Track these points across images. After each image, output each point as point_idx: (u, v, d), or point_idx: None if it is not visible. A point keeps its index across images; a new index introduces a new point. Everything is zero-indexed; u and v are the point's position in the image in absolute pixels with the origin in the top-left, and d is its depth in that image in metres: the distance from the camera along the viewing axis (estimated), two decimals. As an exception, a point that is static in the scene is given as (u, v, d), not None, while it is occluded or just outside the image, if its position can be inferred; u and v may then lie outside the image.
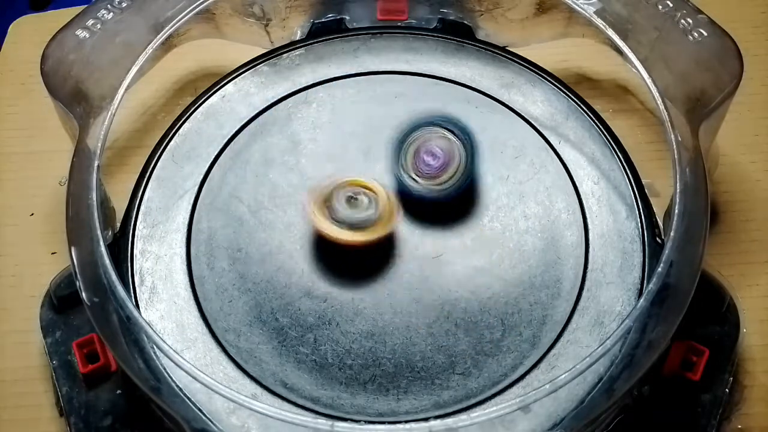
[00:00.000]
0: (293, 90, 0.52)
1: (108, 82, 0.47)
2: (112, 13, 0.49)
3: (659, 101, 0.45)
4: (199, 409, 0.41)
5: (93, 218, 0.43)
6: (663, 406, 0.43)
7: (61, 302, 0.46)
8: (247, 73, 0.52)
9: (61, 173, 0.49)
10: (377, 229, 0.44)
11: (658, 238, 0.46)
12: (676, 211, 0.42)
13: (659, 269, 0.40)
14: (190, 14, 0.50)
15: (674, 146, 0.44)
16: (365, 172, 0.48)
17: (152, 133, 0.54)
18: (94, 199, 0.43)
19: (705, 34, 0.47)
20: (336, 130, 0.50)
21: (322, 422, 0.38)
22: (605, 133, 0.49)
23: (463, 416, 0.38)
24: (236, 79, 0.52)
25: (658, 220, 0.46)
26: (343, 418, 0.42)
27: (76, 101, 0.46)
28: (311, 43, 0.53)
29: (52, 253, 0.51)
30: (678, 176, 0.43)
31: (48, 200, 0.53)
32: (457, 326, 0.44)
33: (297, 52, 0.53)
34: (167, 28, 0.49)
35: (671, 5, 0.48)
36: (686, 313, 0.40)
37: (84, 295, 0.41)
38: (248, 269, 0.46)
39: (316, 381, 0.43)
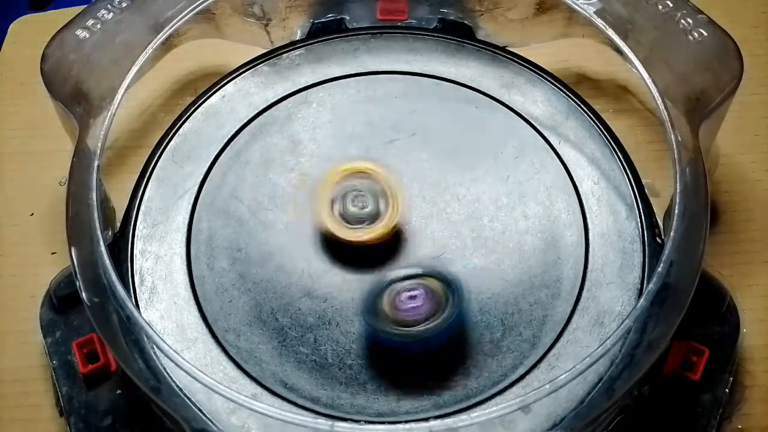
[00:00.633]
0: (293, 90, 0.52)
1: (108, 82, 0.47)
2: (112, 13, 0.49)
3: (659, 101, 0.45)
4: (199, 409, 0.41)
5: (93, 218, 0.43)
6: (663, 406, 0.43)
7: (61, 302, 0.46)
8: (247, 73, 0.52)
9: (61, 173, 0.49)
10: (386, 222, 0.44)
11: (658, 238, 0.46)
12: (676, 211, 0.42)
13: (659, 269, 0.40)
14: (190, 14, 0.50)
15: (674, 146, 0.44)
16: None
17: (152, 133, 0.54)
18: (94, 199, 0.43)
19: (705, 34, 0.47)
20: (336, 130, 0.50)
21: (322, 422, 0.38)
22: (605, 133, 0.49)
23: (463, 416, 0.38)
24: (236, 79, 0.52)
25: (658, 220, 0.46)
26: (343, 418, 0.42)
27: (76, 101, 0.46)
28: (311, 43, 0.53)
29: (52, 253, 0.51)
30: (678, 176, 0.43)
31: (48, 200, 0.53)
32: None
33: (297, 52, 0.53)
34: (167, 28, 0.49)
35: (671, 5, 0.48)
36: (686, 313, 0.40)
37: (84, 295, 0.41)
38: (248, 269, 0.46)
39: (316, 381, 0.43)
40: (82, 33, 0.48)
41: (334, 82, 0.52)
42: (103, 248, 0.42)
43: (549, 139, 0.49)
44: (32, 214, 0.53)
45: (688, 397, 0.44)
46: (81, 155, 0.45)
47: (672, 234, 0.41)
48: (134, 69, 0.48)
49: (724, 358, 0.45)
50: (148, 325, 0.41)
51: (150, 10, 0.50)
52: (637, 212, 0.47)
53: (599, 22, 0.48)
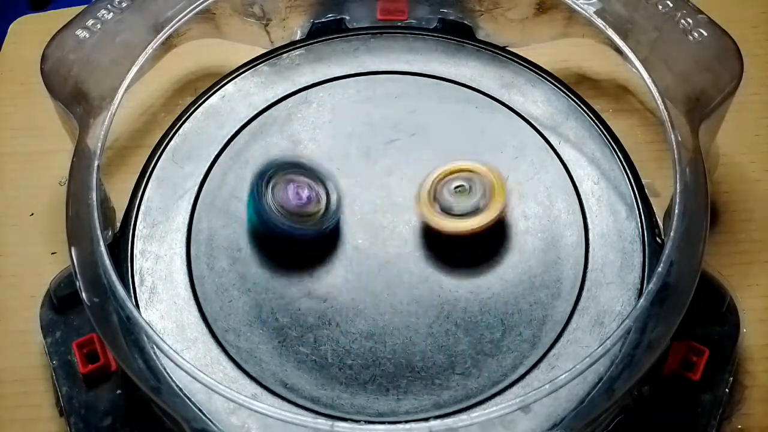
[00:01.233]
0: (293, 90, 0.52)
1: (108, 82, 0.47)
2: (112, 13, 0.49)
3: (659, 101, 0.45)
4: (199, 409, 0.41)
5: (93, 218, 0.43)
6: (663, 406, 0.43)
7: (61, 302, 0.46)
8: (247, 73, 0.52)
9: (61, 173, 0.49)
10: (490, 211, 0.45)
11: (658, 238, 0.46)
12: (676, 211, 0.42)
13: (659, 269, 0.40)
14: (190, 14, 0.50)
15: (674, 146, 0.44)
16: (365, 172, 0.48)
17: (152, 133, 0.54)
18: (94, 199, 0.43)
19: (705, 34, 0.47)
20: (336, 130, 0.50)
21: (322, 422, 0.38)
22: (605, 133, 0.49)
23: (463, 416, 0.38)
24: (236, 79, 0.52)
25: (658, 220, 0.46)
26: (343, 418, 0.42)
27: (76, 101, 0.46)
28: (311, 43, 0.53)
29: (52, 253, 0.51)
30: (678, 176, 0.43)
31: (48, 200, 0.53)
32: (457, 326, 0.44)
33: (297, 52, 0.53)
34: (167, 28, 0.49)
35: (671, 5, 0.48)
36: (686, 313, 0.40)
37: (84, 295, 0.41)
38: (248, 269, 0.46)
39: (316, 381, 0.43)
40: (82, 33, 0.48)
41: (334, 82, 0.52)
42: (103, 248, 0.42)
43: (549, 139, 0.49)
44: (32, 214, 0.53)
45: (688, 397, 0.44)
46: (81, 155, 0.45)
47: (672, 234, 0.41)
48: (134, 69, 0.48)
49: (724, 358, 0.45)
50: (148, 325, 0.41)
51: (150, 10, 0.50)
52: (637, 212, 0.47)
53: (599, 22, 0.48)
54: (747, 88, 0.47)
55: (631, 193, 0.47)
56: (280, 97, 0.51)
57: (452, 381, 0.43)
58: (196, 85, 0.56)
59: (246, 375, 0.43)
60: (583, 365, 0.39)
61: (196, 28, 0.53)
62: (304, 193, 0.45)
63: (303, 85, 0.52)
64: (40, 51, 0.47)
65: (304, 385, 0.43)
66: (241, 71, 0.52)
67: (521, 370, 0.43)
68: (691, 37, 0.47)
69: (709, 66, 0.46)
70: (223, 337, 0.44)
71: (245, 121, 0.50)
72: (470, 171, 0.45)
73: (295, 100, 0.51)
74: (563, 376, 0.38)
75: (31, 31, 0.60)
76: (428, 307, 0.45)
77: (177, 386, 0.42)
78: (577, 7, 0.49)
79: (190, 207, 0.48)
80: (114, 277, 0.41)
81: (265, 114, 0.51)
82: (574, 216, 0.47)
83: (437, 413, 0.42)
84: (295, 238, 0.45)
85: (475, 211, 0.45)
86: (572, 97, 0.51)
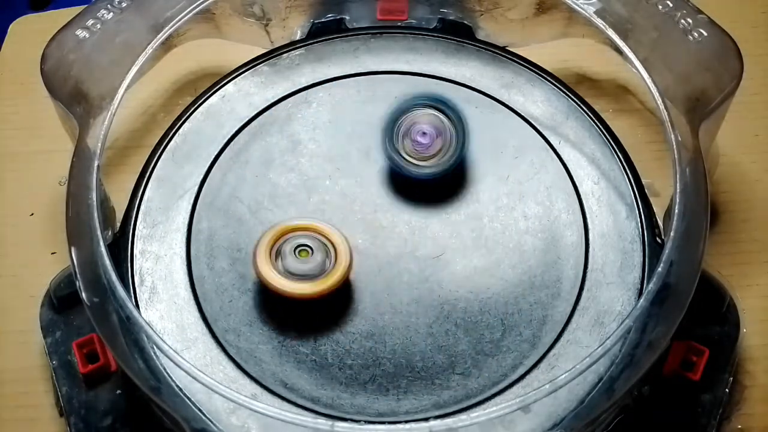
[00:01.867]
0: (293, 90, 0.52)
1: (108, 82, 0.47)
2: (112, 13, 0.49)
3: (659, 101, 0.45)
4: (199, 409, 0.41)
5: (93, 218, 0.43)
6: (663, 406, 0.43)
7: (61, 302, 0.46)
8: (247, 73, 0.52)
9: (61, 173, 0.49)
10: (331, 278, 0.43)
11: (658, 238, 0.46)
12: (676, 211, 0.42)
13: (659, 269, 0.40)
14: (190, 14, 0.50)
15: (674, 146, 0.44)
16: (365, 172, 0.48)
17: (152, 133, 0.54)
18: (94, 199, 0.43)
19: (705, 34, 0.47)
20: (336, 130, 0.50)
21: (322, 422, 0.38)
22: (605, 133, 0.49)
23: (463, 416, 0.38)
24: (236, 79, 0.52)
25: (658, 220, 0.46)
26: (343, 418, 0.42)
27: (76, 101, 0.46)
28: (311, 43, 0.53)
29: (52, 253, 0.51)
30: (678, 176, 0.43)
31: (48, 200, 0.53)
32: (457, 326, 0.44)
33: (297, 52, 0.53)
34: (167, 28, 0.49)
35: (671, 5, 0.48)
36: (686, 313, 0.40)
37: (84, 295, 0.41)
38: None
39: (316, 381, 0.43)
40: (82, 33, 0.48)
41: (334, 82, 0.52)
42: (103, 248, 0.42)
43: (549, 139, 0.49)
44: (32, 214, 0.53)
45: (688, 397, 0.44)
46: (81, 155, 0.45)
47: (672, 234, 0.41)
48: (134, 69, 0.48)
49: (724, 358, 0.45)
50: (148, 325, 0.41)
51: (150, 10, 0.50)
52: (637, 212, 0.47)
53: (599, 22, 0.48)
54: (747, 88, 0.47)
55: (631, 193, 0.47)
56: (280, 97, 0.51)
57: (452, 381, 0.43)
58: (196, 85, 0.56)
59: (246, 375, 0.43)
60: (583, 365, 0.39)
61: (196, 28, 0.53)
62: (427, 140, 0.46)
63: (303, 85, 0.52)
64: (40, 51, 0.47)
65: (304, 385, 0.43)
66: (241, 71, 0.52)
67: (521, 370, 0.43)
68: (691, 37, 0.47)
69: (709, 66, 0.46)
70: (223, 337, 0.44)
71: (245, 121, 0.50)
72: (313, 230, 0.44)
73: (295, 100, 0.51)
74: (563, 376, 0.38)
75: (31, 31, 0.60)
76: (428, 307, 0.45)
77: (177, 386, 0.42)
78: (577, 7, 0.49)
79: (190, 207, 0.48)
80: (114, 277, 0.41)
81: (265, 114, 0.51)
82: (574, 216, 0.47)
83: (437, 413, 0.42)
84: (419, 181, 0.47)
85: (318, 274, 0.43)
86: (572, 97, 0.51)
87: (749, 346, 0.47)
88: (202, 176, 0.49)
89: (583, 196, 0.48)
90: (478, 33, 0.54)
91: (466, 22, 0.54)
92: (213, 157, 0.49)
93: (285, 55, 0.53)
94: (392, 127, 0.47)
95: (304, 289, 0.43)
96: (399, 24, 0.54)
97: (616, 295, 0.44)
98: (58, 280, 0.47)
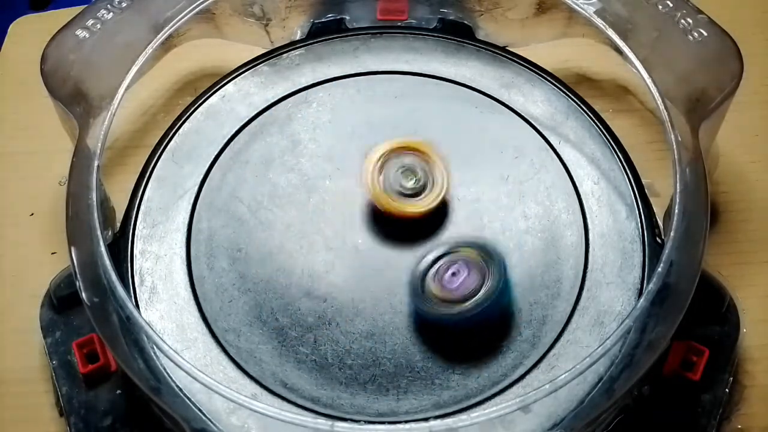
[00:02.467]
0: (293, 90, 0.52)
1: (108, 82, 0.47)
2: (112, 13, 0.49)
3: (659, 101, 0.45)
4: (199, 409, 0.41)
5: (93, 218, 0.43)
6: (663, 406, 0.43)
7: (61, 302, 0.46)
8: (247, 73, 0.52)
9: (61, 173, 0.49)
10: (431, 197, 0.45)
11: (658, 238, 0.46)
12: (676, 211, 0.42)
13: (659, 269, 0.40)
14: (190, 14, 0.50)
15: (674, 146, 0.44)
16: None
17: (152, 133, 0.54)
18: (94, 199, 0.43)
19: (705, 34, 0.47)
20: (336, 130, 0.50)
21: (322, 422, 0.38)
22: (605, 133, 0.49)
23: (463, 416, 0.38)
24: (236, 79, 0.52)
25: (658, 220, 0.46)
26: (343, 418, 0.42)
27: (76, 101, 0.46)
28: (311, 43, 0.53)
29: (52, 253, 0.51)
30: (678, 176, 0.43)
31: (48, 200, 0.53)
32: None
33: (297, 52, 0.53)
34: (167, 28, 0.49)
35: (671, 5, 0.48)
36: (686, 313, 0.40)
37: (84, 295, 0.41)
38: (248, 269, 0.46)
39: (316, 381, 0.43)
40: (82, 33, 0.48)
41: (334, 82, 0.52)
42: (103, 248, 0.42)
43: (549, 139, 0.49)
44: (32, 214, 0.53)
45: (688, 397, 0.44)
46: (81, 155, 0.45)
47: (672, 234, 0.41)
48: (134, 69, 0.48)
49: (724, 358, 0.45)
50: (148, 325, 0.41)
51: (150, 10, 0.50)
52: (637, 212, 0.47)
53: (599, 22, 0.48)
54: (747, 88, 0.47)
55: (631, 193, 0.47)
56: (280, 97, 0.51)
57: (452, 381, 0.43)
58: (196, 85, 0.56)
59: (246, 375, 0.43)
60: (583, 365, 0.39)
61: (196, 28, 0.53)
62: (464, 285, 0.42)
63: (303, 85, 0.52)
64: (40, 51, 0.47)
65: (304, 385, 0.43)
66: (241, 71, 0.52)
67: (521, 370, 0.43)
68: (691, 37, 0.47)
69: (709, 66, 0.46)
70: (223, 337, 0.44)
71: (245, 121, 0.50)
72: (413, 149, 0.46)
73: (295, 100, 0.51)
74: (563, 376, 0.38)
75: (31, 31, 0.60)
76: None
77: (177, 386, 0.42)
78: (577, 7, 0.49)
79: (190, 207, 0.48)
80: (114, 277, 0.41)
81: (265, 114, 0.51)
82: (574, 216, 0.47)
83: (437, 413, 0.42)
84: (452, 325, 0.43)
85: (421, 191, 0.45)
86: (572, 97, 0.51)
87: (749, 346, 0.47)
88: (202, 176, 0.49)
89: (583, 196, 0.48)
90: (478, 33, 0.54)
91: (466, 22, 0.54)
92: (213, 157, 0.49)
93: (285, 55, 0.53)
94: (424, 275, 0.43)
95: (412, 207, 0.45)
96: (399, 24, 0.54)
97: (616, 295, 0.44)
98: (58, 280, 0.47)
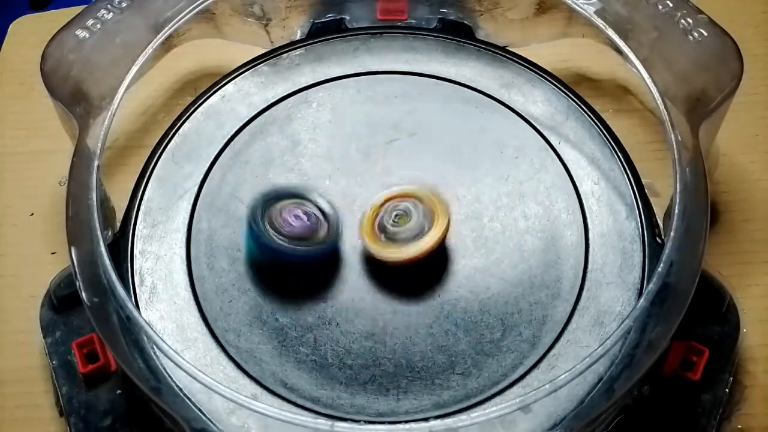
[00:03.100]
0: (293, 90, 0.52)
1: (108, 82, 0.47)
2: (112, 13, 0.49)
3: (659, 101, 0.45)
4: (199, 409, 0.41)
5: (93, 218, 0.43)
6: (663, 406, 0.43)
7: (61, 302, 0.46)
8: (247, 73, 0.52)
9: (61, 173, 0.49)
10: (430, 239, 0.44)
11: (658, 238, 0.46)
12: (676, 211, 0.42)
13: (659, 269, 0.40)
14: (190, 14, 0.50)
15: (674, 146, 0.44)
16: (365, 172, 0.48)
17: (152, 133, 0.54)
18: (94, 199, 0.43)
19: (705, 34, 0.47)
20: (336, 130, 0.50)
21: (322, 422, 0.38)
22: (605, 133, 0.49)
23: (463, 416, 0.38)
24: (236, 79, 0.52)
25: (658, 220, 0.46)
26: (343, 418, 0.42)
27: (76, 101, 0.46)
28: (311, 43, 0.53)
29: (52, 253, 0.51)
30: (678, 176, 0.43)
31: (48, 200, 0.53)
32: (457, 326, 0.44)
33: (297, 52, 0.53)
34: (167, 28, 0.49)
35: (671, 5, 0.48)
36: (686, 313, 0.40)
37: (84, 295, 0.41)
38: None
39: (316, 381, 0.43)
40: (82, 33, 0.48)
41: (334, 82, 0.52)
42: (103, 248, 0.42)
43: (549, 139, 0.49)
44: (32, 214, 0.53)
45: (688, 397, 0.44)
46: (81, 155, 0.45)
47: (672, 234, 0.41)
48: (134, 69, 0.48)
49: (724, 358, 0.45)
50: (148, 325, 0.41)
51: (150, 10, 0.50)
52: (637, 212, 0.47)
53: (599, 22, 0.48)
54: (747, 88, 0.47)
55: (631, 193, 0.47)
56: (280, 97, 0.51)
57: (452, 381, 0.43)
58: (196, 85, 0.56)
59: (246, 375, 0.43)
60: (583, 365, 0.39)
61: (196, 28, 0.53)
62: (301, 218, 0.44)
63: (303, 85, 0.52)
64: (40, 51, 0.47)
65: (304, 385, 0.43)
66: (241, 71, 0.52)
67: (521, 370, 0.43)
68: (691, 37, 0.47)
69: (709, 66, 0.46)
70: (223, 337, 0.44)
71: (245, 121, 0.50)
72: (411, 196, 0.45)
73: (295, 100, 0.51)
74: (563, 376, 0.38)
75: (31, 31, 0.60)
76: (428, 307, 0.45)
77: (177, 386, 0.42)
78: (577, 7, 0.49)
79: (190, 207, 0.48)
80: (114, 277, 0.41)
81: (265, 114, 0.51)
82: (574, 216, 0.47)
83: (437, 413, 0.42)
84: (295, 262, 0.44)
85: (417, 236, 0.44)
86: (572, 97, 0.51)
87: (749, 346, 0.47)
88: (202, 176, 0.49)
89: (583, 196, 0.48)
90: (478, 33, 0.54)
91: (466, 22, 0.54)
92: (213, 157, 0.49)
93: (285, 55, 0.53)
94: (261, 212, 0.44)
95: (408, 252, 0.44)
96: (399, 24, 0.54)
97: (616, 295, 0.44)
98: (58, 280, 0.47)
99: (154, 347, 0.41)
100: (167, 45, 0.52)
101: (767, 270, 0.50)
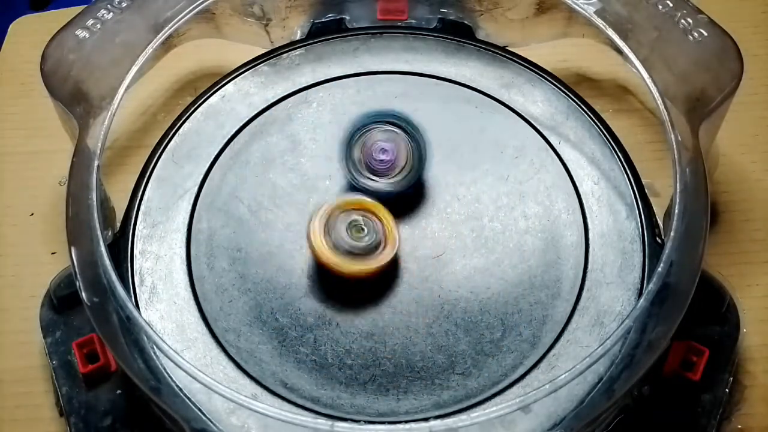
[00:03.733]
0: (293, 90, 0.52)
1: (108, 82, 0.47)
2: (112, 13, 0.49)
3: (659, 101, 0.45)
4: (199, 409, 0.41)
5: (93, 218, 0.43)
6: (663, 406, 0.43)
7: (61, 302, 0.46)
8: (247, 73, 0.52)
9: (61, 173, 0.49)
10: (381, 257, 0.44)
11: (658, 238, 0.46)
12: (676, 211, 0.42)
13: (659, 269, 0.40)
14: (190, 14, 0.50)
15: (674, 146, 0.44)
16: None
17: (152, 133, 0.54)
18: (94, 199, 0.43)
19: (705, 34, 0.47)
20: (336, 130, 0.50)
21: (322, 422, 0.38)
22: (605, 133, 0.49)
23: (463, 416, 0.38)
24: (236, 79, 0.52)
25: (658, 220, 0.46)
26: (343, 418, 0.42)
27: (76, 101, 0.46)
28: (311, 43, 0.53)
29: (52, 253, 0.51)
30: (678, 176, 0.43)
31: (48, 200, 0.53)
32: (457, 326, 0.44)
33: (297, 52, 0.53)
34: (167, 28, 0.49)
35: (671, 5, 0.48)
36: (686, 313, 0.40)
37: (84, 295, 0.41)
38: (248, 269, 0.46)
39: (316, 381, 0.43)
40: (82, 33, 0.48)
41: (334, 82, 0.52)
42: (103, 248, 0.42)
43: (549, 139, 0.49)
44: (32, 214, 0.53)
45: (688, 397, 0.44)
46: (81, 155, 0.45)
47: (672, 234, 0.41)
48: (134, 69, 0.48)
49: (724, 358, 0.45)
50: (148, 325, 0.41)
51: (150, 10, 0.50)
52: (637, 212, 0.47)
53: (599, 22, 0.48)
54: (747, 88, 0.47)
55: (631, 193, 0.47)
56: (280, 97, 0.51)
57: (452, 381, 0.43)
58: (196, 85, 0.56)
59: (246, 375, 0.43)
60: (583, 365, 0.39)
61: (196, 28, 0.53)
62: (387, 156, 0.45)
63: (303, 85, 0.52)
64: (40, 51, 0.47)
65: (304, 385, 0.43)
66: (241, 71, 0.52)
67: (521, 370, 0.43)
68: (691, 37, 0.47)
69: (709, 66, 0.46)
70: (223, 337, 0.44)
71: (245, 121, 0.50)
72: (364, 208, 0.44)
73: (295, 100, 0.51)
74: (563, 376, 0.38)
75: (31, 31, 0.60)
76: (428, 307, 0.45)
77: (177, 386, 0.42)
78: (577, 7, 0.49)
79: (190, 207, 0.48)
80: (114, 277, 0.41)
81: (265, 114, 0.51)
82: (574, 216, 0.47)
83: (437, 413, 0.42)
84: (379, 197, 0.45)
85: (370, 251, 0.44)
86: (572, 97, 0.51)
87: (749, 346, 0.47)
88: (202, 176, 0.49)
89: (583, 196, 0.48)
90: (478, 33, 0.54)
91: (466, 22, 0.54)
92: (213, 157, 0.49)
93: (285, 55, 0.53)
94: (349, 143, 0.46)
95: (361, 266, 0.43)
96: (399, 24, 0.54)
97: (616, 295, 0.44)
98: (58, 280, 0.47)
99: (154, 347, 0.41)
100: (167, 45, 0.52)
101: (767, 270, 0.50)
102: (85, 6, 0.49)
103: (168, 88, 0.57)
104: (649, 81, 0.46)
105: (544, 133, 0.50)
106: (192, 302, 0.45)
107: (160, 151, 0.49)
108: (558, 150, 0.49)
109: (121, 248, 0.46)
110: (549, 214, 0.47)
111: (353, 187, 0.46)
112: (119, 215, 0.48)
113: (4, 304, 0.50)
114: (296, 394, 0.42)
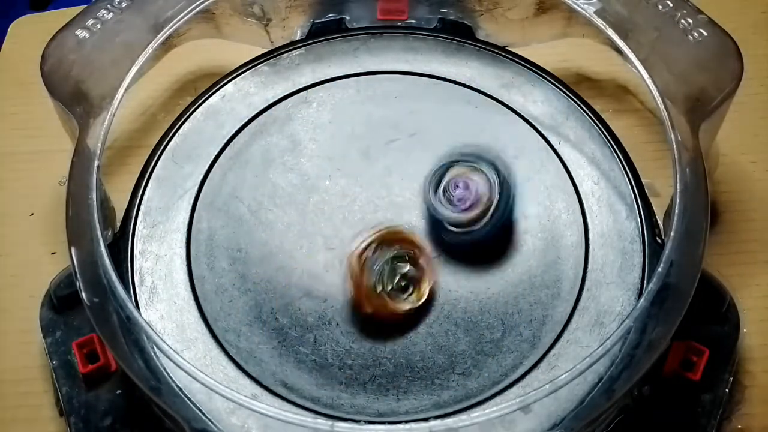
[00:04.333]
0: (293, 90, 0.52)
1: (108, 82, 0.47)
2: (112, 13, 0.49)
3: (659, 101, 0.45)
4: (199, 409, 0.41)
5: (93, 218, 0.43)
6: (663, 406, 0.43)
7: (61, 302, 0.46)
8: (247, 73, 0.52)
9: (61, 173, 0.49)
10: (418, 293, 0.44)
11: (658, 238, 0.46)
12: (676, 211, 0.42)
13: (659, 269, 0.40)
14: (190, 14, 0.50)
15: (674, 146, 0.44)
16: (365, 172, 0.48)
17: (152, 133, 0.54)
18: (94, 199, 0.43)
19: (705, 34, 0.47)
20: (336, 130, 0.50)
21: (322, 422, 0.38)
22: (605, 133, 0.49)
23: (463, 416, 0.38)
24: (236, 79, 0.52)
25: (658, 220, 0.46)
26: (343, 418, 0.42)
27: (76, 101, 0.46)
28: (311, 43, 0.53)
29: (52, 253, 0.51)
30: (678, 176, 0.43)
31: (48, 200, 0.53)
32: (457, 326, 0.44)
33: (297, 52, 0.53)
34: (167, 28, 0.49)
35: (671, 5, 0.48)
36: (686, 313, 0.40)
37: (84, 295, 0.41)
38: (248, 269, 0.46)
39: (316, 381, 0.43)
40: (82, 33, 0.48)
41: (334, 82, 0.52)
42: (103, 248, 0.42)
43: (549, 139, 0.49)
44: (32, 214, 0.53)
45: (688, 397, 0.44)
46: (81, 155, 0.45)
47: (672, 234, 0.41)
48: (134, 69, 0.48)
49: (724, 358, 0.45)
50: (148, 325, 0.41)
51: (150, 10, 0.50)
52: (637, 212, 0.47)
53: (599, 22, 0.48)
54: (747, 88, 0.47)
55: (631, 193, 0.47)
56: (280, 97, 0.51)
57: (452, 381, 0.43)
58: (196, 85, 0.56)
59: (246, 375, 0.43)
60: (583, 365, 0.39)
61: (196, 28, 0.53)
62: (464, 199, 0.44)
63: (303, 85, 0.52)
64: (40, 51, 0.47)
65: (304, 385, 0.43)
66: (241, 71, 0.52)
67: (521, 370, 0.43)
68: (691, 37, 0.47)
69: (709, 66, 0.46)
70: (223, 337, 0.44)
71: (245, 121, 0.50)
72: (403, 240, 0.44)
73: (295, 100, 0.51)
74: (563, 376, 0.38)
75: (31, 31, 0.60)
76: (428, 308, 0.45)
77: (177, 386, 0.42)
78: (577, 7, 0.49)
79: (190, 207, 0.48)
80: (114, 277, 0.41)
81: (265, 114, 0.51)
82: (574, 216, 0.47)
83: (437, 413, 0.42)
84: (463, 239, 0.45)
85: (407, 287, 0.44)
86: (572, 97, 0.51)
87: (749, 346, 0.47)
88: (202, 176, 0.49)
89: (583, 196, 0.48)
90: (478, 33, 0.54)
91: (466, 22, 0.54)
92: (213, 157, 0.49)
93: (285, 55, 0.53)
94: (438, 176, 0.45)
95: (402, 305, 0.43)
96: (399, 24, 0.54)
97: (616, 295, 0.44)
98: (58, 280, 0.47)
99: (154, 347, 0.41)
100: (167, 45, 0.52)
101: (767, 270, 0.50)
102: (85, 6, 0.49)
103: (168, 88, 0.57)
104: (649, 81, 0.46)
105: (544, 133, 0.50)
106: (192, 302, 0.45)
107: (160, 151, 0.49)
108: (558, 150, 0.49)
109: (121, 248, 0.46)
110: (549, 214, 0.47)
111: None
112: (119, 215, 0.48)
113: (4, 304, 0.50)
114: (296, 394, 0.42)
